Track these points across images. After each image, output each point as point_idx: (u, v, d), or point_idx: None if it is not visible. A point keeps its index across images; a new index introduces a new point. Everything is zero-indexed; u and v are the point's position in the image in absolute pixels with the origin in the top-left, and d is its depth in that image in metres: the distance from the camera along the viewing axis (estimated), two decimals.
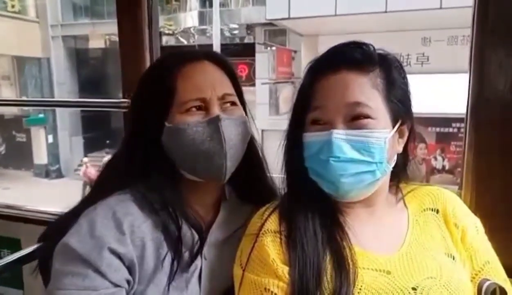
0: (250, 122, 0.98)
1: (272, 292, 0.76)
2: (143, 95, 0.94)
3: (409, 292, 0.74)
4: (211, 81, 0.90)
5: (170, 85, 0.87)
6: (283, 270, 0.77)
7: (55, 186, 12.33)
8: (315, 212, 0.81)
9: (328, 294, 0.73)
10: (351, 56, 0.81)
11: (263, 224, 0.83)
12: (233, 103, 0.92)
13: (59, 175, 13.35)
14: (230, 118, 0.89)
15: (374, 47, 0.83)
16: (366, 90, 0.79)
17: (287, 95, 9.63)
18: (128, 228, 0.82)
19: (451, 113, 8.95)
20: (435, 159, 9.53)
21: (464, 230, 0.86)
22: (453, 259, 0.83)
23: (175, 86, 0.87)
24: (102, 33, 13.07)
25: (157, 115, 0.88)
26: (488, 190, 1.07)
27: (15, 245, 1.58)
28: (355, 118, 0.78)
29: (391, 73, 0.82)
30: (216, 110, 0.87)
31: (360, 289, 0.74)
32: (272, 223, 0.83)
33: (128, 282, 0.82)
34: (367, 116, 0.78)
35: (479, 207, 1.05)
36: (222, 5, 12.17)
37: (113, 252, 0.80)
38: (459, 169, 9.82)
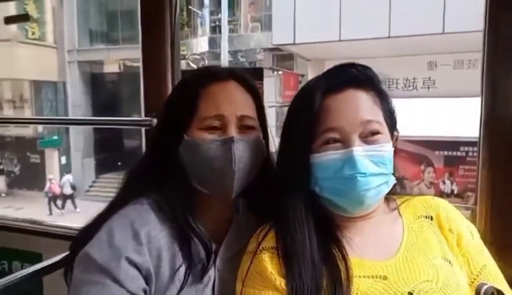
0: (270, 141, 1.02)
1: None
2: (169, 109, 0.98)
3: None
4: (232, 100, 0.93)
5: (193, 102, 0.91)
6: (281, 282, 0.78)
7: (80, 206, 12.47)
8: (311, 230, 0.82)
9: None
10: (354, 75, 0.84)
11: (260, 242, 0.85)
12: (250, 127, 0.94)
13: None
14: (244, 140, 0.91)
15: (370, 68, 0.87)
16: (371, 107, 0.83)
17: None
18: (145, 237, 0.84)
19: (459, 137, 8.86)
20: (444, 182, 9.35)
21: (460, 235, 0.87)
22: (450, 263, 0.83)
23: (198, 103, 0.91)
24: (116, 59, 13.45)
25: (178, 128, 0.92)
26: (502, 207, 1.06)
27: (37, 259, 1.58)
28: (368, 135, 0.81)
29: (382, 89, 0.86)
30: (232, 130, 0.90)
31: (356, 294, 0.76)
32: (269, 241, 0.85)
33: (144, 291, 0.83)
34: (378, 132, 0.81)
35: (493, 223, 1.05)
36: (231, 30, 12.51)
37: (131, 261, 0.81)
38: (468, 193, 9.64)
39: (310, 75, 10.23)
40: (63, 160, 13.45)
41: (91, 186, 13.77)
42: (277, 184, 0.91)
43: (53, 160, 13.44)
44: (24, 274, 1.19)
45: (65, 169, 13.44)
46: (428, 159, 9.50)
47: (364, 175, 0.78)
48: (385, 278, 0.78)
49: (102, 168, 14.11)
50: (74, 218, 11.01)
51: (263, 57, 10.98)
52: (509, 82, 1.04)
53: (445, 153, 9.44)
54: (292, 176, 0.86)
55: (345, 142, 0.80)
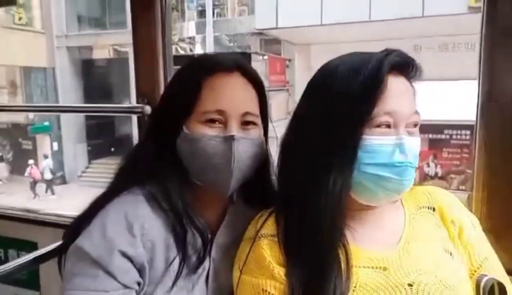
0: (272, 132, 1.00)
1: (269, 292, 0.77)
2: (168, 97, 0.95)
3: (405, 288, 0.74)
4: (236, 96, 0.89)
5: (194, 92, 0.87)
6: (279, 271, 0.77)
7: (59, 191, 12.60)
8: (336, 220, 0.79)
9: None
10: (409, 62, 0.80)
11: (259, 229, 0.84)
12: (253, 123, 0.91)
13: (63, 181, 13.53)
14: (245, 138, 0.88)
15: (413, 59, 0.82)
16: (413, 98, 0.81)
17: (280, 102, 9.73)
18: (138, 230, 0.83)
19: (443, 120, 8.95)
20: (428, 165, 9.50)
21: (461, 227, 0.86)
22: (451, 255, 0.82)
23: (200, 95, 0.87)
24: (105, 44, 13.38)
25: (177, 119, 0.89)
26: (499, 191, 1.05)
27: (33, 248, 1.59)
28: (411, 126, 0.79)
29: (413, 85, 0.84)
30: (233, 127, 0.87)
31: (355, 287, 0.74)
32: (268, 228, 0.83)
33: (138, 283, 0.83)
34: (416, 125, 0.80)
35: (490, 209, 1.05)
36: (219, 15, 12.41)
37: (124, 254, 0.80)
38: (451, 175, 9.80)
39: (297, 60, 10.25)
40: (55, 146, 13.49)
41: (83, 172, 13.86)
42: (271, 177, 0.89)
43: (44, 146, 13.48)
44: (20, 262, 1.20)
45: (57, 155, 13.53)
46: None
47: (412, 165, 0.77)
48: (385, 269, 0.77)
49: (95, 153, 14.17)
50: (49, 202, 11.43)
51: (251, 42, 10.93)
52: (506, 66, 1.02)
53: (430, 135, 9.56)
54: (335, 155, 0.78)
55: (396, 129, 0.77)
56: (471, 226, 0.87)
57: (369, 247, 0.81)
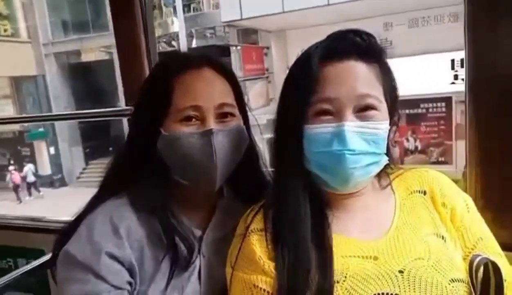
0: (251, 124, 0.99)
1: (260, 288, 0.76)
2: (143, 101, 0.93)
3: (396, 276, 0.73)
4: (209, 89, 0.88)
5: (167, 93, 0.87)
6: (270, 266, 0.77)
7: (60, 194, 12.99)
8: (301, 207, 0.79)
9: (314, 287, 0.73)
10: (359, 45, 0.78)
11: (249, 225, 0.83)
12: (230, 114, 0.91)
13: (63, 183, 13.95)
14: (224, 130, 0.88)
15: (375, 37, 0.81)
16: (373, 81, 0.77)
17: (259, 91, 9.89)
18: (124, 231, 0.83)
19: (418, 94, 9.02)
20: (407, 140, 9.59)
21: (453, 209, 0.84)
22: (443, 239, 0.81)
23: (172, 94, 0.87)
24: (92, 47, 13.63)
25: (153, 121, 0.88)
26: (492, 170, 1.03)
27: (41, 255, 1.64)
28: (363, 110, 0.76)
29: (386, 63, 0.81)
30: (210, 122, 0.87)
31: (345, 277, 0.73)
32: (258, 222, 0.83)
33: (130, 283, 0.83)
34: (374, 108, 0.76)
35: (484, 184, 1.03)
36: (195, 9, 12.52)
37: (111, 256, 0.81)
38: (431, 148, 9.88)
39: (274, 47, 10.36)
40: (52, 150, 13.90)
41: (81, 173, 14.24)
42: (273, 157, 0.87)
43: (42, 151, 13.88)
44: (27, 269, 1.25)
45: (55, 159, 13.92)
46: None
47: (353, 152, 0.74)
48: (375, 258, 0.76)
49: (92, 154, 14.50)
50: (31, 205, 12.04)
51: (230, 34, 11.06)
52: (493, 39, 0.98)
53: (407, 111, 9.62)
54: (285, 148, 0.81)
55: (338, 116, 0.75)
56: (464, 207, 0.85)
57: (358, 236, 0.80)
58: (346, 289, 0.72)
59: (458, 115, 9.04)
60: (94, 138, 14.59)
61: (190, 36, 12.11)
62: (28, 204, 12.32)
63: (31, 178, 13.05)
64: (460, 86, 9.04)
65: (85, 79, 14.14)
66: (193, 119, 0.87)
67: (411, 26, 9.08)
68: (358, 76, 0.76)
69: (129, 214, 0.86)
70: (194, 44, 11.87)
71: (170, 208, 0.89)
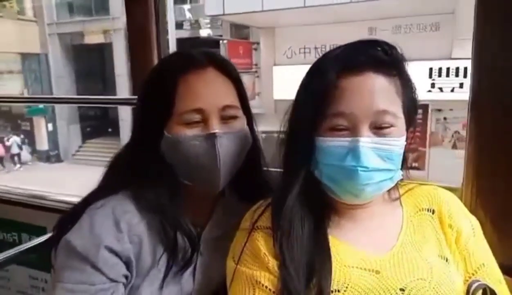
0: (254, 124, 0.98)
1: (263, 284, 0.76)
2: (146, 101, 0.93)
3: (397, 293, 0.72)
4: (213, 91, 0.87)
5: (170, 95, 0.86)
6: (274, 264, 0.76)
7: (55, 169, 13.52)
8: (309, 212, 0.79)
9: (314, 292, 0.72)
10: (378, 57, 0.75)
11: (256, 220, 0.82)
12: (234, 117, 0.89)
13: (58, 159, 14.40)
14: (228, 133, 0.87)
15: (396, 48, 0.77)
16: (391, 96, 0.75)
17: (246, 85, 10.11)
18: (125, 226, 0.83)
19: None
20: None
21: (459, 231, 0.83)
22: (446, 261, 0.80)
23: (175, 95, 0.86)
24: (93, 30, 14.01)
25: (156, 123, 0.87)
26: (490, 185, 1.01)
27: (42, 232, 1.68)
28: (380, 127, 0.73)
29: (407, 75, 0.78)
30: (214, 124, 0.86)
31: (346, 287, 0.73)
32: (265, 220, 0.82)
33: (126, 277, 0.84)
34: (392, 125, 0.74)
35: (480, 202, 1.02)
36: (190, 1, 12.76)
37: (110, 250, 0.81)
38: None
39: (262, 43, 10.57)
40: (50, 127, 14.40)
41: (77, 151, 14.72)
42: (282, 161, 0.84)
43: (40, 127, 14.37)
44: (30, 245, 1.27)
45: (52, 136, 14.43)
46: None
47: (366, 169, 0.72)
48: (377, 272, 0.75)
49: (89, 133, 14.99)
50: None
51: (223, 27, 11.33)
52: (499, 61, 0.95)
53: None
54: (295, 155, 0.80)
55: (353, 131, 0.73)
56: (471, 230, 0.84)
57: (362, 248, 0.79)
58: None
59: (433, 124, 9.19)
60: (93, 118, 15.05)
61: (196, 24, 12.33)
62: (11, 174, 12.96)
63: (15, 150, 13.67)
64: (436, 95, 9.18)
65: (86, 61, 14.56)
66: (197, 122, 0.86)
67: (394, 32, 9.20)
68: (376, 91, 0.73)
69: (132, 208, 0.86)
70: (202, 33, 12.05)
71: (171, 210, 0.88)
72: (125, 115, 12.70)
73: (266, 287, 0.76)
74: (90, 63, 14.52)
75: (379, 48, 0.76)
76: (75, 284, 0.80)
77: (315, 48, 9.72)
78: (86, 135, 14.98)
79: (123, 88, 12.61)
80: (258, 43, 11.09)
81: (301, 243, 0.76)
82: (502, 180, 0.99)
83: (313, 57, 9.57)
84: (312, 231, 0.78)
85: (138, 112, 0.95)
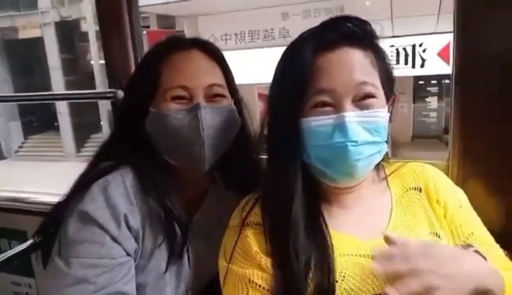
0: (245, 109, 0.97)
1: (256, 283, 0.74)
2: (133, 84, 0.95)
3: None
4: (197, 70, 0.88)
5: (155, 73, 0.87)
6: (266, 261, 0.75)
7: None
8: (299, 203, 0.76)
9: (313, 287, 0.71)
10: (350, 31, 0.75)
11: (245, 217, 0.80)
12: (220, 95, 0.90)
13: (1, 156, 14.16)
14: (212, 107, 0.87)
15: (368, 22, 0.77)
16: (368, 68, 0.75)
17: None
18: (134, 199, 0.82)
19: None
20: None
21: (446, 205, 0.83)
22: (439, 237, 0.79)
23: (160, 74, 0.87)
24: (25, 25, 13.73)
25: (142, 100, 0.88)
26: (476, 158, 1.01)
27: (23, 236, 1.63)
28: (362, 99, 0.73)
29: (380, 48, 0.79)
30: (199, 99, 0.86)
31: (344, 277, 0.72)
32: (255, 216, 0.80)
33: (135, 251, 0.83)
34: (372, 96, 0.73)
35: (466, 176, 1.02)
36: None
37: (127, 223, 0.80)
38: None
39: (187, 32, 10.75)
40: None
41: (20, 147, 14.60)
42: (268, 151, 0.82)
43: None
44: (12, 253, 1.21)
45: None
46: None
47: (356, 143, 0.71)
48: (373, 257, 0.72)
49: (32, 129, 14.83)
50: None
51: (150, 18, 11.43)
52: (481, 36, 0.95)
53: None
54: (281, 142, 0.78)
55: (337, 107, 0.73)
56: (457, 203, 0.84)
57: (356, 234, 0.78)
58: (344, 289, 0.71)
59: None
60: (34, 113, 14.83)
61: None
62: None
63: None
64: None
65: (20, 56, 14.30)
66: (182, 98, 0.87)
67: (305, 16, 9.63)
68: (354, 64, 0.73)
69: (136, 184, 0.84)
70: None
71: (166, 190, 0.87)
72: (63, 108, 12.73)
73: (260, 285, 0.74)
74: (25, 58, 14.26)
75: (351, 24, 0.76)
76: (96, 258, 0.76)
77: (235, 34, 10.06)
78: (29, 131, 14.81)
79: (58, 81, 12.59)
80: (183, 32, 11.30)
81: (297, 238, 0.73)
82: (487, 155, 1.00)
83: (233, 43, 9.98)
84: (308, 225, 0.75)
85: (126, 94, 0.98)
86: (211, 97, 0.90)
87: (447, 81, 10.36)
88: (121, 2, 1.35)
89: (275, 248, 0.76)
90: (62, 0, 12.54)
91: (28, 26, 13.51)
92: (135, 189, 0.84)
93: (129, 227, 0.81)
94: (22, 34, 13.98)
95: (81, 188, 0.83)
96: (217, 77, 0.92)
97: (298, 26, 9.93)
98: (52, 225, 0.83)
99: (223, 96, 0.91)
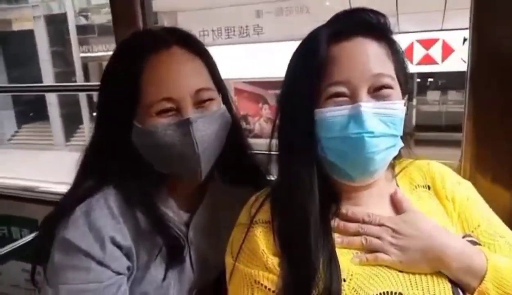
0: (231, 101, 0.92)
1: (262, 284, 0.72)
2: (109, 91, 0.85)
3: (397, 274, 0.72)
4: (181, 75, 0.80)
5: (134, 84, 0.79)
6: (273, 262, 0.73)
7: None
8: (314, 201, 0.73)
9: (321, 287, 0.69)
10: (366, 21, 0.74)
11: (254, 214, 0.78)
12: (209, 99, 0.83)
13: None
14: (204, 116, 0.81)
15: (383, 14, 0.76)
16: (384, 58, 0.74)
17: None
18: (121, 218, 0.80)
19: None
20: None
21: (454, 200, 0.83)
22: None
23: (139, 85, 0.79)
24: (17, 18, 14.12)
25: (123, 114, 0.81)
26: (488, 159, 1.00)
27: (34, 225, 1.66)
28: (378, 89, 0.71)
29: (395, 40, 0.77)
30: (188, 111, 0.79)
31: (351, 275, 0.71)
32: (264, 213, 0.78)
33: (128, 268, 0.81)
34: (389, 87, 0.72)
35: (478, 177, 1.01)
36: None
37: (113, 242, 0.78)
38: None
39: None
40: None
41: (13, 135, 15.04)
42: (280, 147, 0.79)
43: None
44: (23, 242, 1.25)
45: None
46: (264, 98, 10.68)
47: (372, 135, 0.69)
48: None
49: (25, 118, 15.27)
50: None
51: None
52: (496, 35, 0.95)
53: (276, 91, 10.53)
54: (295, 135, 0.75)
55: (352, 97, 0.71)
56: (464, 196, 0.84)
57: None
58: (353, 288, 0.70)
59: None
60: (28, 103, 15.20)
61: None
62: None
63: None
64: None
65: (14, 48, 14.69)
66: (169, 110, 0.80)
67: (277, 14, 9.87)
68: (369, 54, 0.72)
69: (121, 202, 0.82)
70: None
71: (154, 201, 0.84)
72: (53, 99, 13.14)
73: (265, 286, 0.72)
74: (19, 50, 14.64)
75: (366, 14, 0.75)
76: (83, 284, 0.76)
77: (212, 30, 10.34)
78: (22, 120, 15.23)
79: (48, 73, 12.98)
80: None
81: (309, 237, 0.72)
82: (499, 156, 0.99)
83: (211, 39, 10.26)
84: (318, 225, 0.73)
85: (102, 101, 0.87)
86: (200, 103, 0.84)
87: (418, 80, 10.52)
88: (135, 1, 1.36)
89: (284, 247, 0.74)
90: None
91: (21, 19, 13.88)
92: (120, 206, 0.81)
93: (118, 246, 0.79)
94: (16, 27, 14.36)
95: (65, 212, 0.81)
96: (204, 79, 0.85)
97: (271, 23, 10.25)
98: (42, 248, 0.83)
99: (212, 99, 0.85)
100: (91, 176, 0.86)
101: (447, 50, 8.35)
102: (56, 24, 12.98)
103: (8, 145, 14.63)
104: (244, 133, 0.98)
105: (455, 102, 10.32)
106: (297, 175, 0.75)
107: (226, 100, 0.91)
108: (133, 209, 0.82)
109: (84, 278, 0.76)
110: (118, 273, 0.79)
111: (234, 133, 0.92)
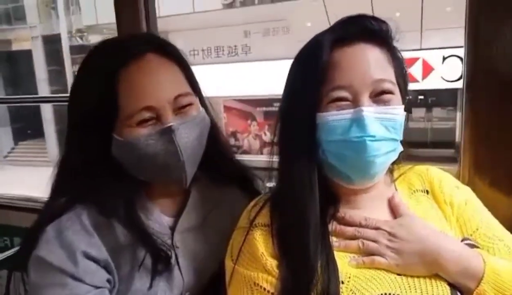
0: (206, 101, 0.92)
1: (261, 286, 0.73)
2: (82, 103, 0.82)
3: (395, 277, 0.72)
4: (158, 82, 0.79)
5: (110, 95, 0.77)
6: (272, 264, 0.73)
7: None
8: (314, 204, 0.74)
9: (318, 289, 0.70)
10: (368, 27, 0.75)
11: (253, 219, 0.79)
12: (188, 104, 0.83)
13: None
14: (185, 122, 0.81)
15: (384, 21, 0.77)
16: (385, 64, 0.75)
17: None
18: (95, 231, 0.78)
19: (272, 94, 10.17)
20: (265, 134, 10.82)
21: (452, 204, 0.83)
22: None
23: (116, 96, 0.77)
24: (15, 38, 14.56)
25: (101, 128, 0.79)
26: (486, 166, 1.01)
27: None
28: (379, 94, 0.73)
29: (397, 50, 0.79)
30: (168, 118, 0.78)
31: (349, 278, 0.72)
32: (263, 217, 0.79)
33: (108, 281, 0.79)
34: (390, 92, 0.74)
35: (477, 181, 1.02)
36: None
37: (87, 256, 0.77)
38: None
39: None
40: None
41: (9, 152, 15.25)
42: (281, 151, 0.79)
43: None
44: (14, 251, 1.22)
45: None
46: (252, 115, 10.93)
47: (373, 138, 0.70)
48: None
49: (23, 135, 15.50)
50: None
51: None
52: (492, 44, 0.97)
53: (264, 108, 10.80)
54: (296, 139, 0.76)
55: (354, 102, 0.72)
56: (462, 200, 0.84)
57: None
58: (350, 290, 0.70)
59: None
60: (26, 119, 15.47)
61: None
62: None
63: None
64: None
65: (13, 66, 15.08)
66: (149, 120, 0.79)
67: (264, 35, 10.21)
68: (371, 60, 0.73)
69: (96, 217, 0.80)
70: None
71: (135, 211, 0.82)
72: (48, 115, 13.40)
73: (265, 289, 0.73)
74: (17, 68, 15.02)
75: (368, 21, 0.76)
76: None
77: (202, 50, 10.67)
78: (19, 137, 15.46)
79: (45, 91, 13.30)
80: None
81: (308, 240, 0.72)
82: (497, 163, 0.99)
83: (201, 58, 10.56)
84: (317, 228, 0.74)
85: (75, 117, 0.84)
86: (180, 109, 0.83)
87: None
88: (139, 12, 1.39)
89: (283, 249, 0.75)
90: (50, 15, 13.33)
91: (20, 39, 14.29)
92: (95, 221, 0.80)
93: (93, 260, 0.78)
94: (15, 46, 14.77)
95: (38, 231, 0.80)
96: (181, 84, 0.84)
97: (259, 43, 10.62)
98: (21, 266, 0.83)
99: (191, 104, 0.85)
100: (64, 194, 0.85)
101: (427, 69, 8.62)
102: (53, 44, 13.35)
103: (4, 162, 14.80)
104: (221, 130, 0.99)
105: (440, 119, 10.51)
106: (298, 178, 0.76)
107: (202, 102, 0.91)
108: (111, 221, 0.81)
109: (61, 293, 0.76)
110: (96, 287, 0.78)
111: (212, 133, 0.92)
